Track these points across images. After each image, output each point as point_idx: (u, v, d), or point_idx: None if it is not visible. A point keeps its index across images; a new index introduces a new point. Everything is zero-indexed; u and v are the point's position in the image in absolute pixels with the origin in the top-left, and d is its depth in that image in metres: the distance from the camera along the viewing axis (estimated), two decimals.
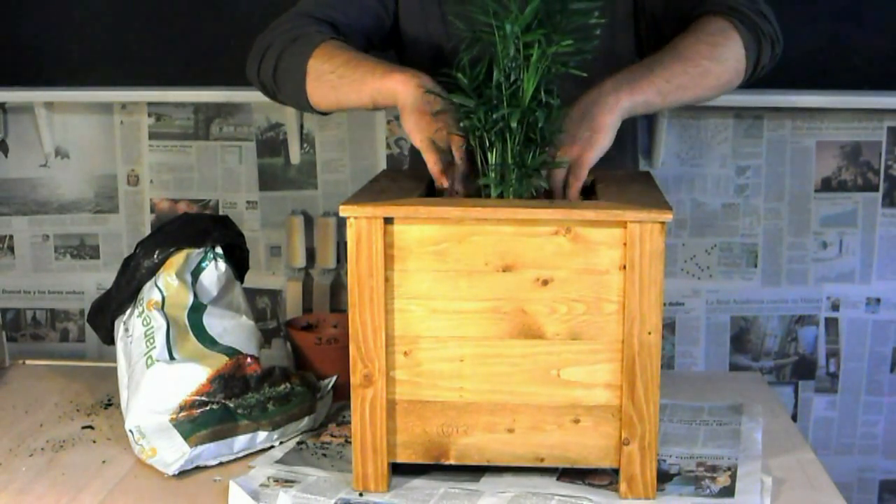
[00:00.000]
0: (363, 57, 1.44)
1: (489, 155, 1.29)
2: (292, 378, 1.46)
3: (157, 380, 1.35)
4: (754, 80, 1.53)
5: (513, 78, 1.26)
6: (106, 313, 1.47)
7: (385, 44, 1.66)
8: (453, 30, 1.57)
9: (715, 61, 1.43)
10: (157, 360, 1.36)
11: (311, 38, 1.47)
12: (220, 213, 2.46)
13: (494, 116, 1.25)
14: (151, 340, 1.37)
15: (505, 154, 1.28)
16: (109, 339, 1.49)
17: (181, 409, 1.34)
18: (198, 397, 1.35)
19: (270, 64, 1.50)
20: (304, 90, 1.46)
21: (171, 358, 1.37)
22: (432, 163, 1.31)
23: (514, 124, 1.25)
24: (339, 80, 1.41)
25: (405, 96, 1.34)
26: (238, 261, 1.52)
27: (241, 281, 1.53)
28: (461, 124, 1.29)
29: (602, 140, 1.33)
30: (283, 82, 1.49)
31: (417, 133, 1.32)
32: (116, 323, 1.46)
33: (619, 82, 1.36)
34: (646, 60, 1.42)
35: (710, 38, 1.43)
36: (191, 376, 1.36)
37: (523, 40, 1.24)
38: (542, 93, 1.26)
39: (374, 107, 1.42)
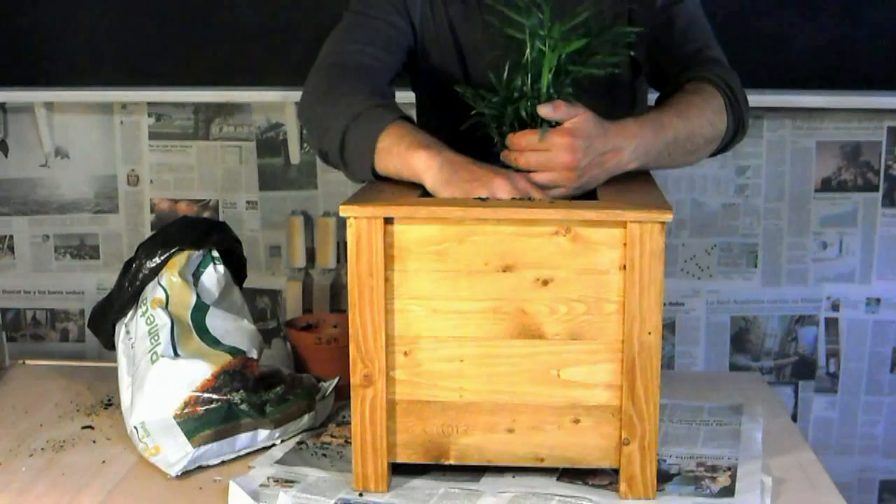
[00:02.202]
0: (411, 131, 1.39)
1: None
2: (289, 382, 1.46)
3: (162, 376, 1.35)
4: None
5: (537, 75, 1.29)
6: (107, 317, 1.47)
7: (405, 68, 1.65)
8: (464, 42, 1.59)
9: (706, 143, 1.45)
10: (162, 356, 1.36)
11: (376, 117, 1.39)
12: (221, 213, 2.46)
13: (509, 109, 1.28)
14: (156, 337, 1.38)
15: None
16: (110, 345, 1.49)
17: (185, 405, 1.34)
18: (202, 393, 1.35)
19: (336, 142, 1.42)
20: (371, 172, 1.39)
21: (176, 354, 1.37)
22: None
23: (523, 112, 1.27)
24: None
25: (429, 176, 1.29)
26: (236, 268, 1.52)
27: (241, 288, 1.53)
28: (486, 111, 1.30)
29: (599, 180, 1.32)
30: (351, 162, 1.42)
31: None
32: (117, 327, 1.47)
33: (638, 145, 1.33)
34: (663, 125, 1.38)
35: (713, 118, 1.44)
36: (195, 372, 1.36)
37: (547, 39, 1.26)
38: (565, 93, 1.28)
39: (400, 178, 1.35)
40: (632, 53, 1.47)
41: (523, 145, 1.29)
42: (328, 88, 1.48)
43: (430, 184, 1.29)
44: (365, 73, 1.51)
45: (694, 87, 1.47)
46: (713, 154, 1.51)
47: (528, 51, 1.29)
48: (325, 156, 1.47)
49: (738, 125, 1.50)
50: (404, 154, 1.32)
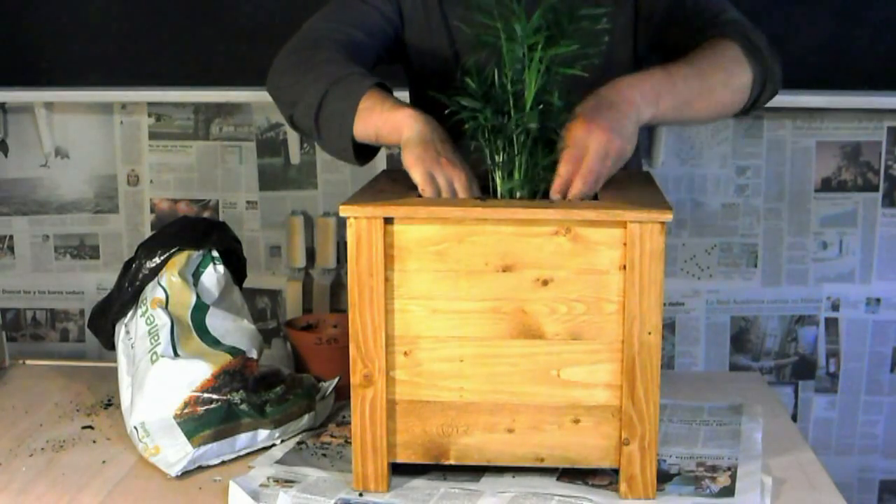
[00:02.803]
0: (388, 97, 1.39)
1: (496, 156, 1.29)
2: (289, 382, 1.46)
3: (162, 376, 1.35)
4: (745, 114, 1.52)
5: (517, 80, 1.27)
6: (107, 316, 1.47)
7: (392, 58, 1.64)
8: (459, 38, 1.57)
9: (731, 93, 1.42)
10: (162, 356, 1.36)
11: (357, 81, 1.39)
12: (221, 213, 2.46)
13: (508, 122, 1.26)
14: (156, 338, 1.38)
15: (512, 153, 1.28)
16: (110, 345, 1.49)
17: (185, 405, 1.34)
18: (202, 393, 1.35)
19: (312, 108, 1.41)
20: (348, 135, 1.39)
21: (176, 355, 1.37)
22: (428, 195, 1.27)
23: (532, 124, 1.26)
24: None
25: (409, 130, 1.30)
26: (236, 268, 1.52)
27: (240, 288, 1.53)
28: (466, 126, 1.29)
29: (626, 151, 1.29)
30: (327, 128, 1.41)
31: (419, 165, 1.27)
32: (117, 327, 1.47)
33: (644, 91, 1.32)
34: (668, 70, 1.37)
35: (729, 66, 1.42)
36: (195, 372, 1.36)
37: (528, 42, 1.25)
38: (549, 94, 1.27)
39: (378, 140, 1.36)
40: (606, 39, 1.45)
41: (573, 169, 1.25)
42: (302, 59, 1.48)
43: (405, 137, 1.30)
44: (341, 46, 1.50)
45: (706, 44, 1.44)
46: (747, 110, 1.47)
47: (504, 52, 1.26)
48: (296, 124, 1.47)
49: (765, 75, 1.45)
50: (387, 112, 1.33)
